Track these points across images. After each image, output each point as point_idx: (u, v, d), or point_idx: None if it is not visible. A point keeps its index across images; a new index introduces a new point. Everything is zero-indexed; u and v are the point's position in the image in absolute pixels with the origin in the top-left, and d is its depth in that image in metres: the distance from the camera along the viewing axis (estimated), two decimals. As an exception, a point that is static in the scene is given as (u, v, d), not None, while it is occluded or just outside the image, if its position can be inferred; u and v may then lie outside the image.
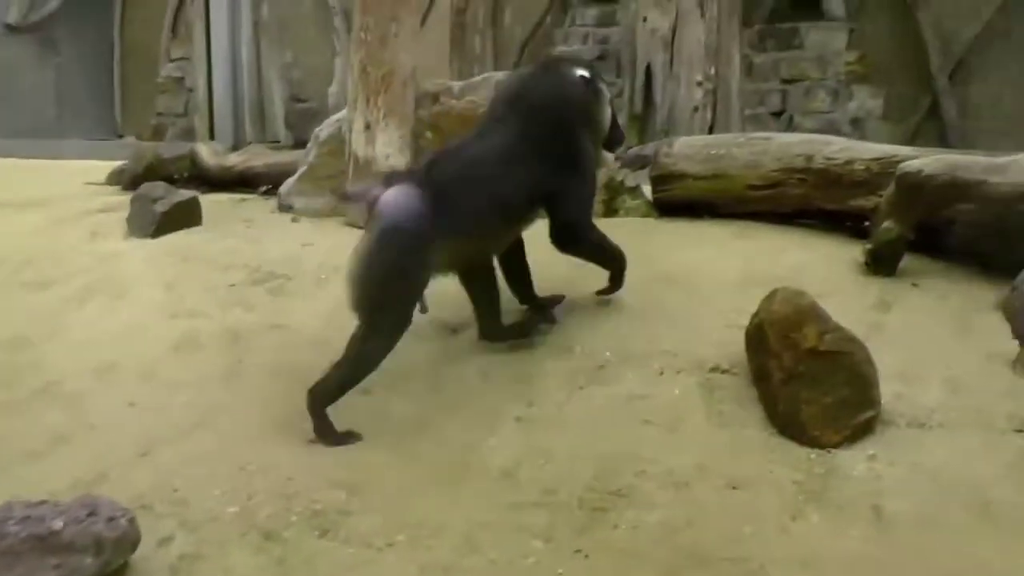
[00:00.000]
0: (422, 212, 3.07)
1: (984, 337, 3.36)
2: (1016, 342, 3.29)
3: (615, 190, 4.64)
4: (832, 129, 7.27)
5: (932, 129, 8.67)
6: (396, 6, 4.74)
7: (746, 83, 7.60)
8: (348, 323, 3.12)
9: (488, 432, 2.90)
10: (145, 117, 11.36)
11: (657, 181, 4.53)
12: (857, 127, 7.74)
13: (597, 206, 4.24)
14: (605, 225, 4.39)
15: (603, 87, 3.57)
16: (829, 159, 4.17)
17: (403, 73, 4.77)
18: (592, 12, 8.54)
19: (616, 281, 3.54)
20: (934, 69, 8.58)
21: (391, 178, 3.27)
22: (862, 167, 4.13)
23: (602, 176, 4.52)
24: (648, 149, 4.93)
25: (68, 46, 11.51)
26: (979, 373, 3.14)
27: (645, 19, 6.76)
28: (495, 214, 3.29)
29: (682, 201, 4.46)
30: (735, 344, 3.08)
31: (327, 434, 3.01)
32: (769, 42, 8.17)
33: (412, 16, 4.88)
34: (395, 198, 3.09)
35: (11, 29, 10.91)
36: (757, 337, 2.95)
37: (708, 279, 3.71)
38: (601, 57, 8.04)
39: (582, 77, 3.48)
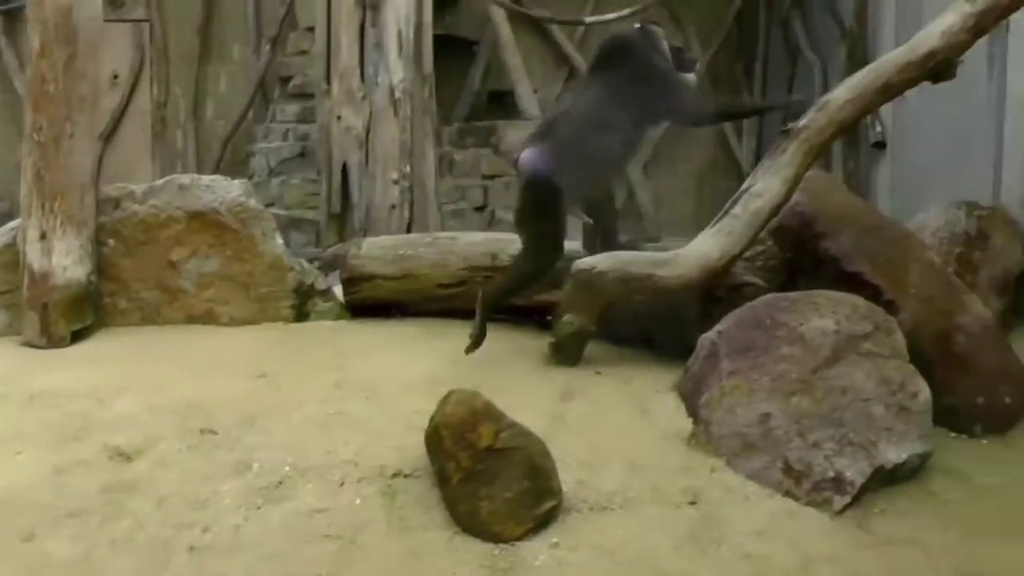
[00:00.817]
0: (551, 164, 3.98)
1: (662, 417, 3.59)
2: (690, 420, 3.53)
3: (306, 294, 4.60)
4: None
5: (631, 218, 9.35)
6: (71, 105, 4.49)
7: (448, 179, 7.86)
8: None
9: (161, 567, 2.74)
10: None
11: (348, 283, 4.56)
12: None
13: (286, 311, 4.53)
14: (295, 331, 4.42)
15: (654, 29, 4.48)
16: (513, 256, 4.35)
17: (81, 177, 4.51)
18: (292, 108, 8.56)
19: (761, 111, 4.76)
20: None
21: (528, 140, 4.22)
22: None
23: (292, 280, 4.54)
24: (343, 250, 4.96)
25: None
26: (657, 452, 3.34)
27: (339, 117, 6.84)
28: (607, 150, 4.20)
29: (374, 302, 4.51)
30: (418, 448, 3.10)
31: (477, 334, 3.92)
32: (469, 139, 8.49)
33: (88, 114, 4.63)
34: (529, 157, 4.04)
35: None
36: (435, 440, 3.00)
37: (394, 382, 3.73)
38: (302, 154, 8.06)
39: (637, 28, 4.45)
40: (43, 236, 4.44)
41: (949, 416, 3.73)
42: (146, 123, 9.28)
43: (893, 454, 3.26)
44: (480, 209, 8.25)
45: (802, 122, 3.91)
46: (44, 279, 4.40)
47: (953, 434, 3.77)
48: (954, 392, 3.80)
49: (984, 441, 3.78)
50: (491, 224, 7.89)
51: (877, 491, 3.20)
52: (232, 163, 9.01)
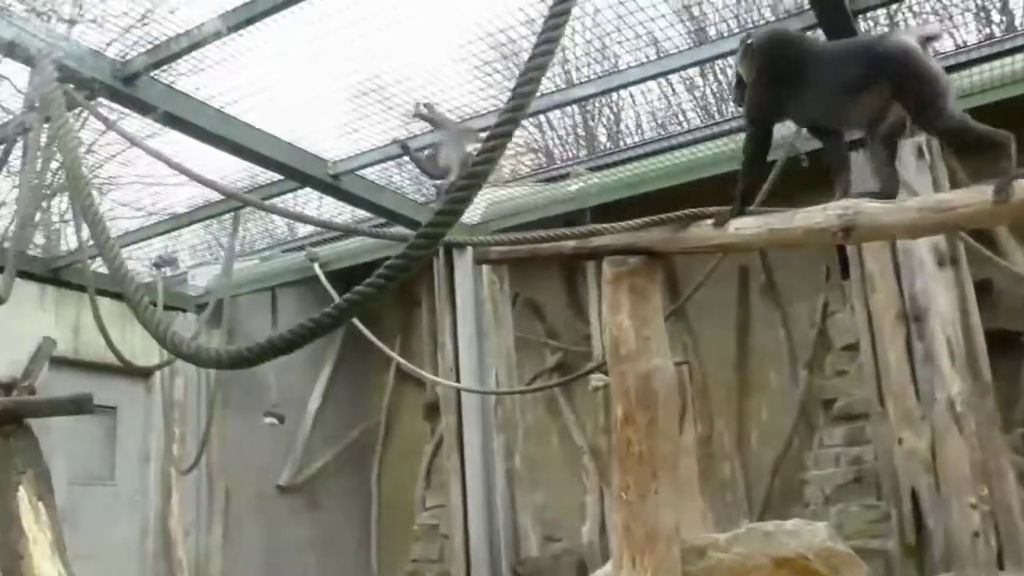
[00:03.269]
0: None
1: None
2: None
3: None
4: None
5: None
6: (655, 464, 4.84)
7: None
8: None
9: None
10: (400, 564, 11.80)
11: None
12: None
13: None
14: None
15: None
16: None
17: (666, 530, 4.77)
18: (840, 431, 8.42)
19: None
20: None
21: None
22: None
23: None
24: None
25: (330, 501, 12.30)
26: None
27: (900, 440, 6.65)
28: None
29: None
30: None
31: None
32: (1036, 445, 7.81)
33: (671, 471, 4.96)
34: None
35: (281, 489, 11.79)
36: None
37: None
38: (857, 479, 7.86)
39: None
40: (635, 587, 4.69)
41: None
42: (693, 460, 9.65)
43: None
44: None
45: None
46: (638, 629, 4.61)
47: None
48: None
49: None
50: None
51: None
52: (782, 492, 9.03)
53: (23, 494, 5.32)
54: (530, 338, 11.00)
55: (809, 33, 5.21)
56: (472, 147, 5.64)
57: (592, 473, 10.53)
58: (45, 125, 5.86)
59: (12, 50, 5.16)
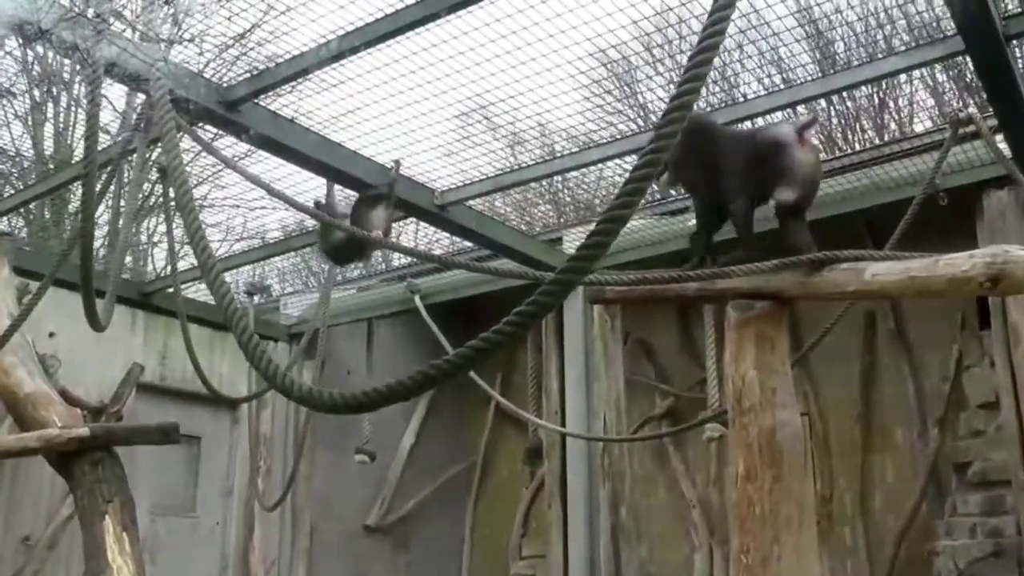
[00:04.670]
0: None
1: None
2: None
3: None
4: None
5: None
6: (778, 526, 4.73)
7: None
8: None
9: None
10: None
11: None
12: None
13: None
14: None
15: None
16: None
17: (789, 598, 4.67)
18: (976, 498, 7.99)
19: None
20: None
21: None
22: None
23: None
24: None
25: (420, 544, 12.30)
26: None
27: (1048, 515, 6.36)
28: None
29: None
30: None
31: None
32: None
33: (795, 535, 4.84)
34: None
35: (368, 530, 11.82)
36: None
37: None
38: (996, 553, 7.50)
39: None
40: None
41: None
42: (812, 521, 9.40)
43: None
44: None
45: None
46: None
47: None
48: None
49: None
50: None
51: None
52: (909, 562, 8.71)
53: (108, 523, 5.41)
54: (639, 381, 10.84)
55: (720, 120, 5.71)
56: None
57: (701, 528, 10.34)
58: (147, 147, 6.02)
59: (112, 70, 5.28)
